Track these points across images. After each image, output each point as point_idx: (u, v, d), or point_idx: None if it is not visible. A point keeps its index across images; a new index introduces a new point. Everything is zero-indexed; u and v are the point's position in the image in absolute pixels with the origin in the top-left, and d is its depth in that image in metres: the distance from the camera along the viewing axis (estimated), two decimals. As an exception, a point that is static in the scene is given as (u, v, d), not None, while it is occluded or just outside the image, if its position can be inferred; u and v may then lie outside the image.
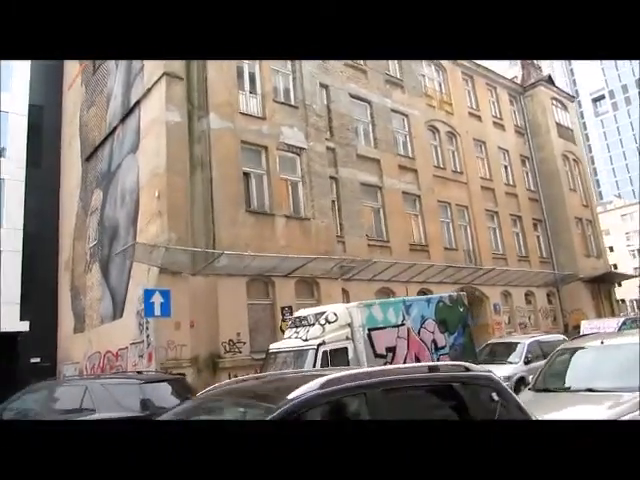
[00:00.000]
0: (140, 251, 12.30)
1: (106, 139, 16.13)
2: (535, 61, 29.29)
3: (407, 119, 20.93)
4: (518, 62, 28.49)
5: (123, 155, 14.89)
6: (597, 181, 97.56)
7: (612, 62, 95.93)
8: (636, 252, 66.94)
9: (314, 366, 8.78)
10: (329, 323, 9.42)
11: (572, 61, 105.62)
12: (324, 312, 9.71)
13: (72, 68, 20.15)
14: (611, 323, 18.40)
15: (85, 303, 16.50)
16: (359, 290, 16.32)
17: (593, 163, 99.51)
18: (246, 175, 14.10)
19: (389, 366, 3.52)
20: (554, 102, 27.77)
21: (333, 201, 17.18)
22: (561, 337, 15.25)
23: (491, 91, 25.94)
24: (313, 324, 9.53)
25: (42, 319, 17.53)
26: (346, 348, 9.31)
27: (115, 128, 15.52)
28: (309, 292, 14.51)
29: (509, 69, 29.10)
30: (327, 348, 9.04)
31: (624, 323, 17.98)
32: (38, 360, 17.35)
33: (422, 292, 19.27)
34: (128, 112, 14.74)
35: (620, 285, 62.21)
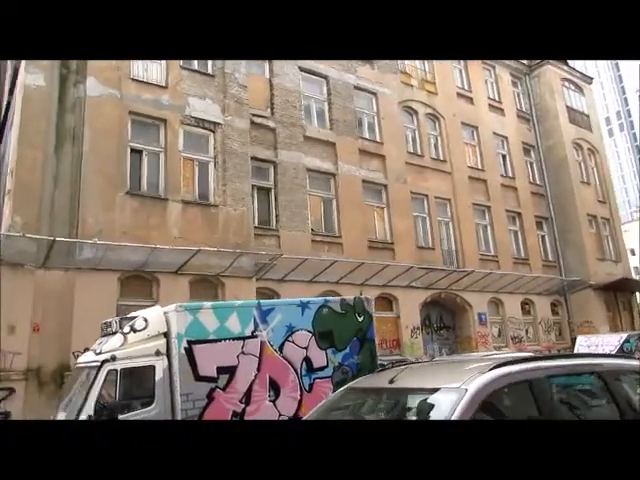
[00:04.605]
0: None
1: (5, 118, 14.29)
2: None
3: (375, 98, 18.16)
4: (526, 39, 25.09)
5: (7, 131, 12.98)
6: (625, 189, 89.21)
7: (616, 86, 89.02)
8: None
9: (91, 388, 6.36)
10: (135, 332, 6.95)
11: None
12: (135, 317, 7.25)
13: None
14: (611, 339, 15.10)
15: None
16: (296, 292, 13.66)
17: (622, 170, 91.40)
18: (138, 152, 11.86)
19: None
20: (566, 83, 24.18)
21: (269, 188, 14.76)
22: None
23: (489, 70, 22.70)
24: (115, 332, 7.09)
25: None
26: (153, 367, 6.80)
27: (9, 103, 13.65)
28: (211, 293, 12.03)
29: (516, 48, 25.75)
30: (118, 366, 6.57)
31: (627, 340, 14.67)
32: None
33: (382, 297, 16.51)
34: (13, 81, 12.81)
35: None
